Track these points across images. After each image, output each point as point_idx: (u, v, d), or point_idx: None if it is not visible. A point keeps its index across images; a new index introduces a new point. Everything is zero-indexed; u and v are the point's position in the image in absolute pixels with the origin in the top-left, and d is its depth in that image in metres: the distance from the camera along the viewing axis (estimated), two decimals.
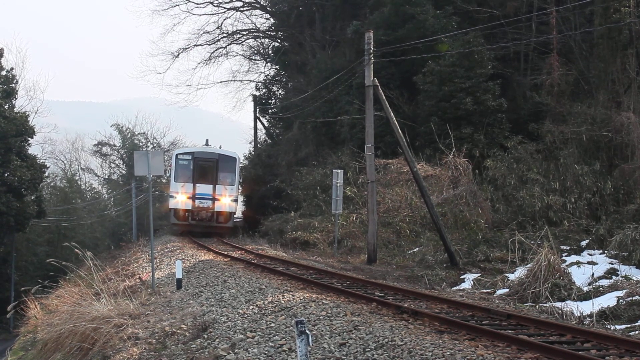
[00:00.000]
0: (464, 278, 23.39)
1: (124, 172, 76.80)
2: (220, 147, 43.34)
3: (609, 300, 17.45)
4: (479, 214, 29.44)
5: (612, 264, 22.07)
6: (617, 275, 20.80)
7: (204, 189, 39.03)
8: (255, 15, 60.03)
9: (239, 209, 50.06)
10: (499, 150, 34.20)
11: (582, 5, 33.10)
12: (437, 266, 25.39)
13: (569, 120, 32.33)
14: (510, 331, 12.82)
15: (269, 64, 59.79)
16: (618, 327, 15.27)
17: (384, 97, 27.08)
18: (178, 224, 40.60)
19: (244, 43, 60.23)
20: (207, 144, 42.94)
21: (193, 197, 38.96)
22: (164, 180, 61.38)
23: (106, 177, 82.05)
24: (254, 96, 58.85)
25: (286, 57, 55.09)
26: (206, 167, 39.59)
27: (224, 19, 57.83)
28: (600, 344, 11.90)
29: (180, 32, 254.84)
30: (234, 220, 42.22)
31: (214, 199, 39.06)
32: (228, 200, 39.31)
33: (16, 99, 53.68)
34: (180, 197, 38.97)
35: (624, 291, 18.07)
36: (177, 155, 40.82)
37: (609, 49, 31.48)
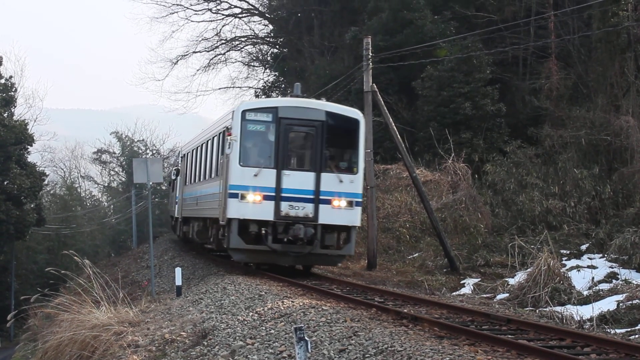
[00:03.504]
0: (464, 283, 23.40)
1: (123, 179, 76.78)
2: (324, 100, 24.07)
3: (609, 304, 17.47)
4: (478, 219, 29.44)
5: (612, 267, 22.09)
6: (617, 279, 20.82)
7: (297, 180, 21.40)
8: (254, 21, 60.02)
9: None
10: (498, 154, 34.23)
11: (580, 9, 33.15)
12: (437, 271, 25.41)
13: (568, 124, 32.36)
14: (510, 336, 12.81)
15: (267, 70, 59.85)
16: (618, 331, 15.28)
17: (382, 102, 27.12)
18: (245, 249, 21.59)
19: (242, 50, 60.30)
20: (298, 94, 23.23)
21: (276, 198, 21.14)
22: (164, 187, 61.24)
23: (106, 184, 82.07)
24: None
25: (285, 64, 55.15)
26: (302, 138, 22.23)
27: (223, 26, 57.89)
28: (600, 348, 11.90)
29: (178, 39, 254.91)
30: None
31: (317, 201, 21.35)
32: (344, 202, 21.58)
33: (15, 107, 53.93)
34: (251, 197, 21.11)
35: (624, 295, 18.10)
36: (243, 113, 21.54)
37: (607, 53, 31.51)
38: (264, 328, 14.35)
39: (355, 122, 22.25)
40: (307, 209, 21.20)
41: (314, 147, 21.60)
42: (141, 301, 21.44)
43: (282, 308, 15.59)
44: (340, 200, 21.48)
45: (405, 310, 15.27)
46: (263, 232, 21.13)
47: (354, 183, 21.71)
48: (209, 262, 28.14)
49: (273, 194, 21.09)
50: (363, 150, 22.42)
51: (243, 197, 21.09)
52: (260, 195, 21.07)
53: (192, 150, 31.14)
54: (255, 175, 21.10)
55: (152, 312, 19.68)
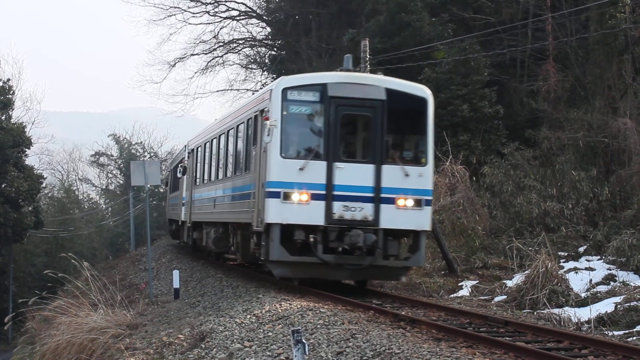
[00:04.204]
0: (462, 285, 23.37)
1: (121, 182, 76.76)
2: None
3: (606, 306, 17.49)
4: (476, 221, 29.40)
5: (610, 269, 22.08)
6: (615, 281, 20.81)
7: (352, 174, 17.60)
8: (252, 24, 59.99)
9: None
10: (496, 156, 34.20)
11: (577, 11, 33.16)
12: (435, 273, 25.37)
13: (566, 126, 32.37)
14: (507, 338, 12.82)
15: (265, 72, 59.80)
16: (616, 333, 15.30)
17: None
18: (289, 262, 17.59)
19: (240, 52, 60.28)
20: (349, 67, 19.30)
21: (327, 197, 17.41)
22: (161, 190, 61.20)
23: (104, 187, 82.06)
24: None
25: (283, 66, 55.10)
26: (357, 122, 18.43)
27: (220, 28, 57.87)
28: (598, 350, 11.91)
29: (176, 42, 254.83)
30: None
31: (377, 200, 17.61)
32: (411, 201, 17.76)
33: (13, 109, 53.94)
34: (296, 197, 17.28)
35: (622, 297, 18.11)
36: (284, 91, 17.70)
37: (604, 55, 31.54)
38: (261, 330, 14.34)
39: (422, 102, 18.27)
40: (365, 211, 17.39)
41: (372, 133, 17.76)
42: (139, 304, 21.45)
43: (280, 310, 15.58)
44: (406, 198, 17.63)
45: (403, 313, 15.27)
46: (311, 240, 17.23)
47: (423, 177, 17.84)
48: (206, 265, 28.13)
49: (323, 192, 17.28)
50: (432, 136, 18.34)
51: (286, 196, 17.17)
52: (307, 194, 17.23)
53: (205, 144, 27.02)
54: (301, 169, 17.26)
55: (150, 314, 19.69)
